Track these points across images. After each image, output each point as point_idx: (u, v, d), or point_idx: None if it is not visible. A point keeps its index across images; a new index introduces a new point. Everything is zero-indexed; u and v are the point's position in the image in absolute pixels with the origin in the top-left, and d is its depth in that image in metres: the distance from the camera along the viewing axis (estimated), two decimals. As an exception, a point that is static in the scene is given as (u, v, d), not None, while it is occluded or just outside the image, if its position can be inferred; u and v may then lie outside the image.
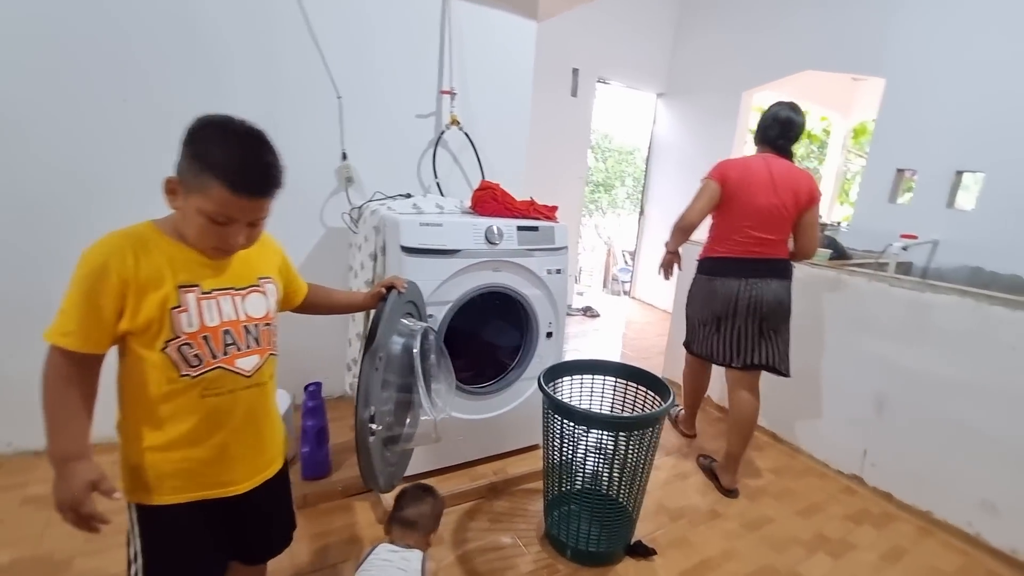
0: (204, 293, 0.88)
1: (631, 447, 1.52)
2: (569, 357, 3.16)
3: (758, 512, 1.95)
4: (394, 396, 1.37)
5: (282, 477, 1.08)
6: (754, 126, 2.17)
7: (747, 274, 1.95)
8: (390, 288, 1.28)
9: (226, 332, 0.90)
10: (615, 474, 1.59)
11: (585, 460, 1.57)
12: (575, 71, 4.15)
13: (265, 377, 0.97)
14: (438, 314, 1.71)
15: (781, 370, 2.01)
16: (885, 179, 3.11)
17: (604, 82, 4.38)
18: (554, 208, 2.07)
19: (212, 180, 0.80)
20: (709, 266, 2.06)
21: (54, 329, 0.80)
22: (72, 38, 1.71)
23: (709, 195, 1.97)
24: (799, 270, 2.30)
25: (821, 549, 1.78)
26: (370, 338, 1.16)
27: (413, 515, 1.27)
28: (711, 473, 2.14)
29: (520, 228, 1.84)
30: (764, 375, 2.06)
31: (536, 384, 1.62)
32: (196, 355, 0.86)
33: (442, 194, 2.41)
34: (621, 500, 1.65)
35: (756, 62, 3.86)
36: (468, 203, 2.07)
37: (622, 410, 1.79)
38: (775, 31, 3.72)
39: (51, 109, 1.72)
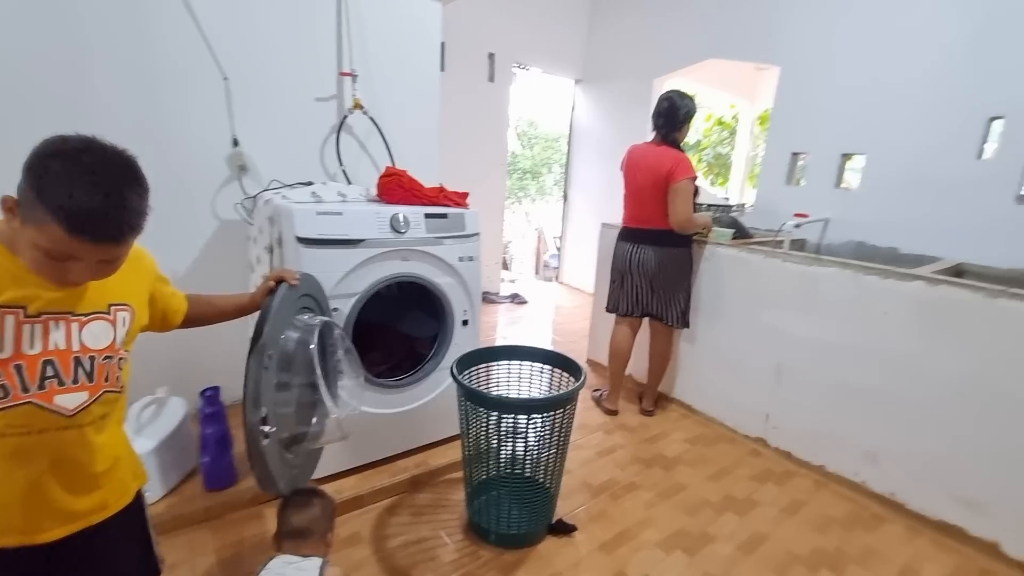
0: (29, 316, 0.75)
1: (547, 428, 1.53)
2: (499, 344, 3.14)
3: (673, 480, 2.04)
4: (295, 395, 1.29)
5: (123, 522, 0.92)
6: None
7: (634, 240, 2.38)
8: (280, 281, 1.20)
9: (47, 363, 0.76)
10: (533, 456, 1.60)
11: (501, 445, 1.56)
12: (491, 56, 4.11)
13: (93, 417, 0.82)
14: (344, 307, 1.64)
15: (669, 322, 2.42)
16: (782, 162, 3.32)
17: (522, 67, 4.37)
18: (464, 195, 2.03)
19: (47, 217, 0.67)
20: (618, 233, 2.49)
21: None
22: None
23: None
24: (708, 250, 2.43)
25: (729, 509, 1.89)
26: (256, 335, 1.08)
27: (303, 522, 1.17)
28: (598, 402, 2.61)
29: (428, 215, 1.79)
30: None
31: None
32: (2, 385, 0.73)
33: (348, 182, 2.30)
34: (540, 480, 1.66)
35: (665, 50, 3.99)
36: (375, 191, 1.99)
37: (539, 393, 1.80)
38: (681, 20, 3.85)
39: None
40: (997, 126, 2.47)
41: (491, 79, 4.17)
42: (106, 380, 0.83)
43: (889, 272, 1.90)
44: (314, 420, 1.35)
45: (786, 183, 3.32)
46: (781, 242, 2.57)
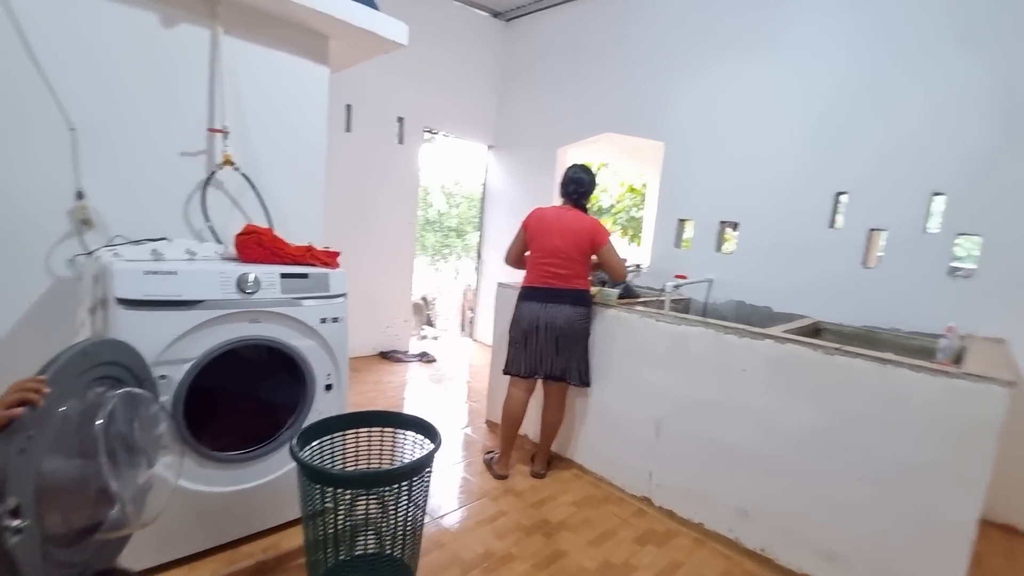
0: None
1: (399, 499, 1.42)
2: (403, 407, 3.01)
3: (553, 548, 1.95)
4: (83, 478, 1.12)
5: None
6: (561, 182, 2.61)
7: (544, 299, 2.37)
8: (23, 404, 0.93)
9: None
10: (387, 531, 1.47)
11: (346, 525, 1.43)
12: (400, 119, 4.21)
13: None
14: (175, 374, 1.49)
15: (573, 381, 2.41)
16: (670, 227, 3.54)
17: (431, 132, 4.49)
18: (335, 254, 1.97)
19: None
20: (521, 293, 2.47)
21: None
22: None
23: (518, 238, 2.52)
24: (597, 311, 2.48)
25: (605, 578, 1.82)
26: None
27: None
28: (489, 466, 2.53)
29: (285, 275, 1.71)
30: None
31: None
32: None
33: (218, 240, 2.18)
34: (398, 556, 1.53)
35: (567, 122, 4.25)
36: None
37: (391, 462, 1.69)
38: (581, 96, 4.14)
39: None
40: (844, 199, 2.76)
41: (400, 141, 4.25)
42: None
43: (744, 331, 2.00)
44: (116, 506, 1.18)
45: (675, 246, 3.52)
46: (663, 302, 2.67)
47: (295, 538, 1.78)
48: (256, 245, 1.81)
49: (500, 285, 2.96)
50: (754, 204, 3.11)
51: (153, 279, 1.45)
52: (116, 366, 1.26)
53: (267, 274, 1.66)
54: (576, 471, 2.59)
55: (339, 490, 1.37)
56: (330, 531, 1.41)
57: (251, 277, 1.61)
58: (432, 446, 1.51)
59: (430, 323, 6.97)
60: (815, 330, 2.54)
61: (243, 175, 2.23)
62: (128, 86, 1.96)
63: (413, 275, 4.60)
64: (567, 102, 4.25)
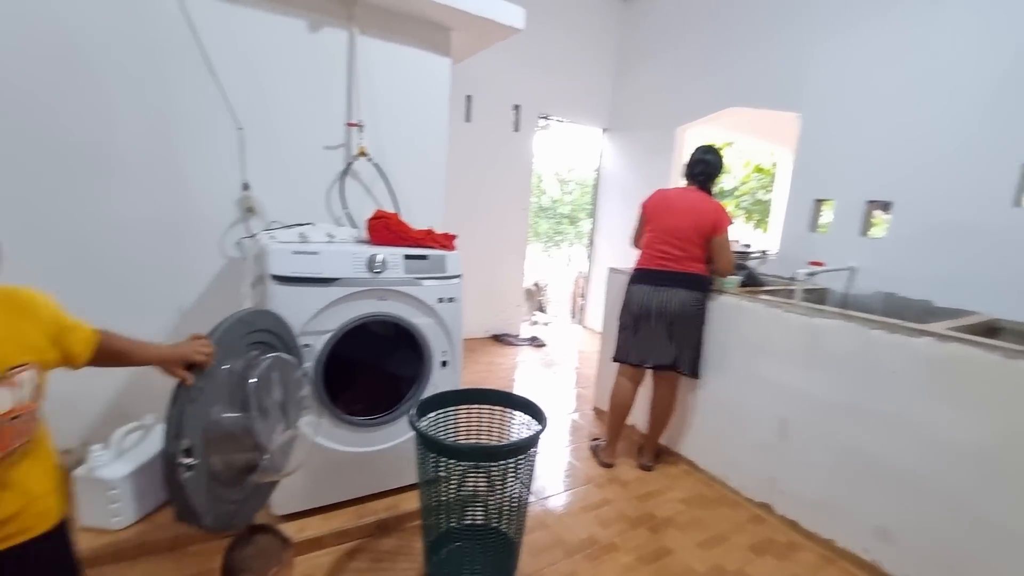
0: None
1: (506, 475, 1.48)
2: (512, 389, 3.11)
3: (658, 544, 1.90)
4: (241, 428, 1.32)
5: (41, 550, 0.95)
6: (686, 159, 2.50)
7: (656, 282, 2.28)
8: (192, 367, 1.12)
9: None
10: (495, 504, 1.54)
11: (457, 494, 1.51)
12: (516, 107, 4.27)
13: (15, 458, 0.87)
14: (316, 344, 1.68)
15: (684, 370, 2.31)
16: (805, 209, 3.19)
17: (546, 118, 4.50)
18: (452, 237, 2.07)
19: None
20: (632, 276, 2.39)
21: None
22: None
23: (638, 218, 2.47)
24: (714, 298, 2.33)
25: (715, 582, 1.73)
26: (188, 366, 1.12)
27: (235, 560, 1.16)
28: (594, 453, 2.50)
29: (408, 257, 1.84)
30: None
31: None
32: None
33: (353, 225, 2.40)
34: (503, 530, 1.59)
35: (686, 100, 4.00)
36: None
37: (499, 439, 1.75)
38: (703, 70, 3.87)
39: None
40: (1033, 171, 2.27)
41: (516, 129, 4.32)
42: (16, 437, 0.86)
43: (896, 327, 1.75)
44: (266, 455, 1.37)
45: (809, 230, 3.17)
46: (792, 292, 2.43)
47: (412, 501, 1.93)
48: (384, 229, 1.96)
49: (611, 270, 2.90)
50: (911, 180, 2.68)
51: (300, 258, 1.64)
52: (269, 333, 1.45)
53: (392, 255, 1.80)
54: (686, 467, 2.47)
55: (451, 461, 1.45)
56: (443, 499, 1.51)
57: (379, 258, 1.76)
58: (539, 427, 1.54)
59: (541, 309, 7.06)
60: (989, 329, 2.13)
61: (375, 165, 2.43)
62: (282, 88, 2.22)
63: (526, 261, 4.68)
64: (688, 78, 3.99)
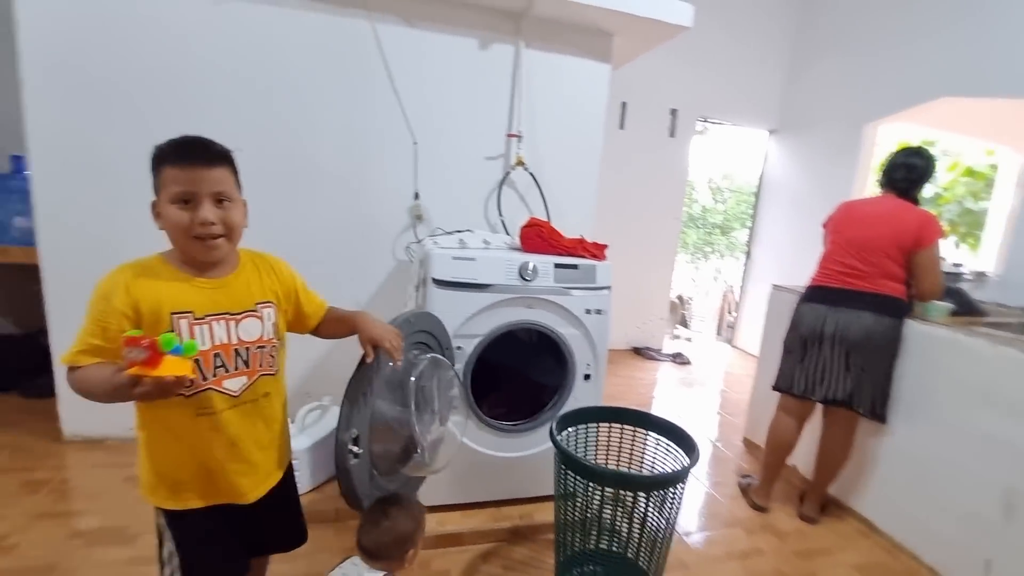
0: (197, 319, 0.94)
1: (648, 508, 1.39)
2: (651, 406, 2.85)
3: (824, 614, 1.63)
4: (400, 423, 1.42)
5: (286, 485, 1.18)
6: (878, 162, 2.20)
7: (835, 302, 1.96)
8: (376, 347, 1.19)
9: (216, 355, 0.96)
10: (633, 536, 1.45)
11: (594, 518, 1.46)
12: (673, 112, 4.06)
13: (256, 395, 1.03)
14: (467, 347, 1.75)
15: (861, 410, 1.96)
16: (1051, 224, 2.53)
17: (705, 121, 4.21)
18: (603, 247, 2.02)
19: (163, 167, 0.92)
20: (804, 293, 2.11)
21: (69, 353, 0.89)
22: (205, 101, 2.11)
23: (824, 240, 2.15)
24: (915, 328, 1.95)
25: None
26: (359, 365, 1.22)
27: (367, 542, 1.16)
28: (745, 492, 2.24)
29: (558, 265, 1.83)
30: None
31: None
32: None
33: (507, 232, 2.48)
34: (642, 564, 1.50)
35: (880, 92, 3.44)
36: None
37: (640, 466, 1.64)
38: (903, 56, 3.29)
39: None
40: None
41: (672, 134, 4.11)
42: (260, 366, 1.03)
43: None
44: (419, 449, 1.46)
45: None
46: (1029, 329, 1.93)
47: (546, 513, 1.92)
48: (537, 236, 1.98)
49: (775, 288, 2.59)
50: None
51: (459, 264, 1.73)
52: (428, 334, 1.54)
53: (544, 263, 1.81)
54: (860, 526, 2.10)
55: (590, 483, 1.40)
56: (578, 517, 1.46)
57: (531, 266, 1.77)
58: (689, 460, 1.41)
59: (684, 323, 6.65)
60: None
61: (530, 174, 2.47)
62: (451, 103, 2.38)
63: (673, 272, 4.44)
64: (883, 67, 3.42)
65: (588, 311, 1.86)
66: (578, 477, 1.40)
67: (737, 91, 4.19)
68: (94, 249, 2.04)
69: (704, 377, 3.95)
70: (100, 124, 2.04)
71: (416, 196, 2.40)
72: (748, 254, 4.64)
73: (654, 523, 1.41)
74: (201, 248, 0.95)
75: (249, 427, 1.04)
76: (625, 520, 1.45)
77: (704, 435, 2.89)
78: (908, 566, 1.89)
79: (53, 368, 2.18)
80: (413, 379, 1.34)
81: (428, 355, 1.44)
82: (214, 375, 0.97)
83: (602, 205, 3.94)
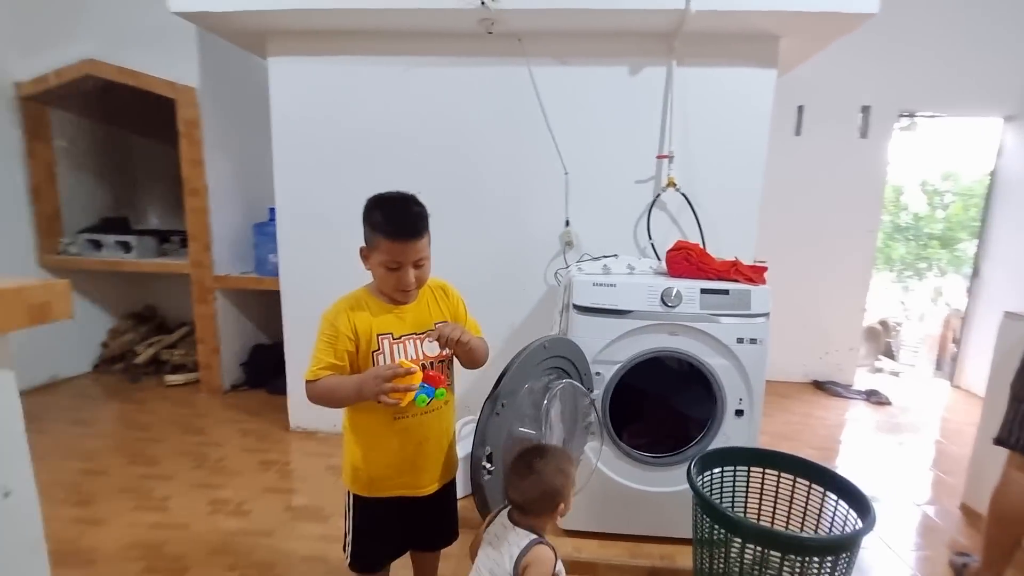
0: (395, 339, 1.18)
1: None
2: (835, 454, 2.68)
3: None
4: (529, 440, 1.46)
5: (450, 487, 1.36)
6: None
7: None
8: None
9: None
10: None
11: (740, 571, 1.32)
12: (865, 109, 3.51)
13: (438, 404, 1.21)
14: (607, 373, 1.75)
15: None
16: None
17: (910, 115, 3.54)
18: (761, 269, 1.85)
19: (378, 237, 1.13)
20: None
21: (312, 370, 1.14)
22: (398, 153, 2.50)
23: None
24: None
25: None
26: (495, 385, 1.31)
27: (515, 496, 1.13)
28: (959, 573, 1.78)
29: (705, 291, 1.73)
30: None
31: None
32: None
33: (657, 257, 2.40)
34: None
35: None
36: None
37: (802, 525, 1.43)
38: None
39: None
40: None
41: (863, 135, 3.56)
42: (442, 378, 1.21)
43: None
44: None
45: None
46: None
47: (688, 557, 1.79)
48: (684, 260, 1.90)
49: (1007, 315, 2.06)
50: None
51: (599, 290, 1.74)
52: (564, 359, 1.58)
53: (688, 289, 1.72)
54: None
55: (733, 536, 1.28)
56: (718, 567, 1.34)
57: (674, 291, 1.71)
58: (861, 525, 1.21)
59: (889, 355, 5.56)
60: None
61: (683, 195, 2.38)
62: (601, 130, 2.43)
63: (868, 294, 3.78)
64: None
65: (740, 340, 1.71)
66: (715, 526, 1.30)
67: (956, 75, 3.44)
68: (316, 280, 2.54)
69: (911, 422, 3.27)
70: (324, 186, 2.58)
71: (567, 223, 2.48)
72: (975, 271, 3.74)
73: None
74: (401, 296, 1.20)
75: (434, 430, 1.26)
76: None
77: (907, 495, 2.39)
78: None
79: (287, 372, 2.75)
80: (546, 402, 1.39)
81: (564, 381, 1.48)
82: None
83: (775, 222, 3.60)
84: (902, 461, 2.76)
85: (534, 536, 1.11)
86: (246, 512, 2.08)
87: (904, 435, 3.08)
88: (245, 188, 3.20)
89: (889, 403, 3.52)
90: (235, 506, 2.12)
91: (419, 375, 1.07)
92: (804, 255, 3.64)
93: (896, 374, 4.45)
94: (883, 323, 5.56)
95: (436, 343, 1.18)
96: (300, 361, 2.22)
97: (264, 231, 2.93)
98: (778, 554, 1.20)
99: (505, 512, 1.19)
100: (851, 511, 1.32)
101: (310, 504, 2.15)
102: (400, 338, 1.19)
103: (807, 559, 1.20)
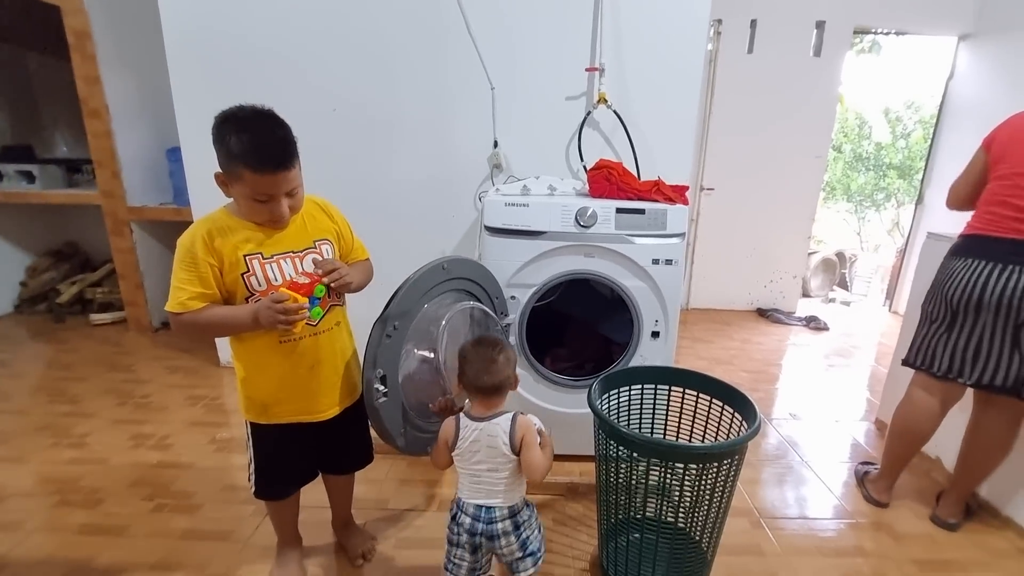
0: (266, 258, 1.09)
1: (701, 481, 1.23)
2: (773, 378, 2.67)
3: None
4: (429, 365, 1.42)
5: (357, 409, 1.30)
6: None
7: (1006, 258, 1.46)
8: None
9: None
10: (681, 507, 1.31)
11: (636, 487, 1.33)
12: (819, 24, 3.35)
13: (329, 325, 1.20)
14: (522, 297, 1.70)
15: None
16: None
17: (866, 33, 3.41)
18: (682, 189, 1.78)
19: (239, 167, 0.99)
20: (957, 246, 1.61)
21: (178, 300, 1.03)
22: (306, 63, 2.27)
23: (974, 164, 1.65)
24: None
25: None
26: (385, 306, 1.24)
27: (491, 381, 1.13)
28: (861, 482, 1.89)
29: (620, 210, 1.65)
30: None
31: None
32: None
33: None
34: (693, 534, 1.35)
35: None
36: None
37: (703, 436, 1.45)
38: None
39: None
40: None
41: (816, 53, 3.42)
42: (330, 297, 1.16)
43: None
44: (449, 395, 1.44)
45: None
46: None
47: (609, 471, 1.83)
48: (604, 180, 1.81)
49: (930, 236, 2.08)
50: None
51: (511, 210, 1.65)
52: (472, 283, 1.51)
53: (604, 208, 1.65)
54: (1018, 540, 1.64)
55: (632, 452, 1.28)
56: (621, 481, 1.35)
57: (588, 211, 1.63)
58: (747, 431, 1.21)
59: (844, 285, 5.70)
60: None
61: (614, 112, 2.25)
62: (528, 41, 2.23)
63: (813, 223, 3.79)
64: None
65: (656, 261, 1.67)
66: (610, 441, 1.29)
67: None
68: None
69: (848, 346, 3.38)
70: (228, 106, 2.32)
71: (495, 145, 2.34)
72: (919, 198, 3.76)
73: (705, 496, 1.25)
74: (273, 227, 1.11)
75: (327, 352, 1.21)
76: (676, 488, 1.31)
77: (832, 414, 2.48)
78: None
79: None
80: (444, 323, 1.34)
81: (466, 303, 1.42)
82: None
83: (726, 145, 3.50)
84: (831, 383, 2.86)
85: (507, 412, 1.15)
86: (168, 446, 2.04)
87: (837, 359, 3.19)
88: (155, 109, 2.91)
89: (827, 328, 3.62)
90: (157, 440, 2.08)
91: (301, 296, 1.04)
92: (753, 181, 3.58)
93: (847, 304, 4.57)
94: (839, 254, 5.66)
95: (321, 257, 1.15)
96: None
97: (178, 157, 2.70)
98: (659, 462, 1.21)
99: (467, 423, 1.14)
100: (744, 422, 1.33)
101: (236, 436, 2.12)
102: (272, 258, 1.10)
103: (690, 466, 1.21)
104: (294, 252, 1.13)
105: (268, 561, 1.44)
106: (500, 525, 1.14)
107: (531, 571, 1.18)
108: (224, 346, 2.72)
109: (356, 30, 2.24)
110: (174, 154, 2.75)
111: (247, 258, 1.07)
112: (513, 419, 1.13)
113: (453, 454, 1.16)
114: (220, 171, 1.04)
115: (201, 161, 2.39)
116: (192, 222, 1.10)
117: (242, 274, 1.07)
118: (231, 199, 1.10)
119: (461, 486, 1.18)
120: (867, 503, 1.81)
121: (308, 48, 2.26)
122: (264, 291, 1.08)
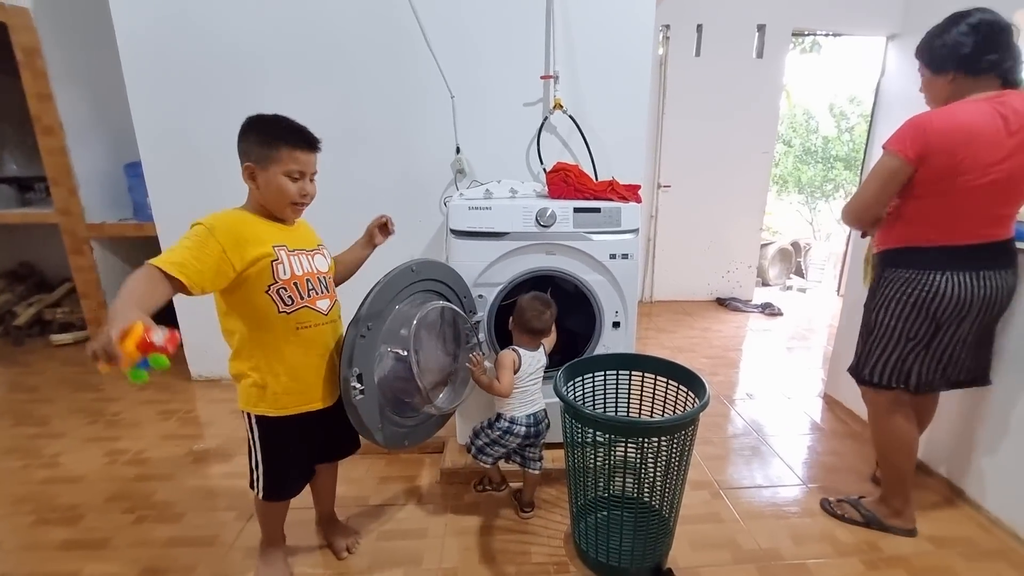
0: (291, 251, 1.20)
1: (658, 454, 1.34)
2: (732, 361, 2.79)
3: (877, 583, 1.47)
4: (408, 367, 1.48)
5: (341, 402, 1.33)
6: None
7: (980, 265, 1.42)
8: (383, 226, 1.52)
9: (307, 280, 1.22)
10: (647, 479, 1.42)
11: (601, 467, 1.44)
12: (760, 28, 3.56)
13: (335, 316, 1.32)
14: (488, 295, 1.78)
15: (983, 381, 1.63)
16: None
17: (805, 35, 3.64)
18: (635, 188, 1.90)
19: (280, 147, 1.14)
20: (930, 257, 1.44)
21: (165, 259, 0.99)
22: (263, 79, 2.30)
23: (891, 179, 1.39)
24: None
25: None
26: (359, 308, 1.31)
27: (541, 325, 1.55)
28: (868, 523, 1.67)
29: (578, 210, 1.76)
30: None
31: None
32: (290, 296, 1.18)
33: (547, 180, 2.42)
34: (654, 504, 1.46)
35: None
36: (548, 187, 2.05)
37: (663, 412, 1.57)
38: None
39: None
40: None
41: (759, 55, 3.63)
42: (333, 291, 1.32)
43: None
44: (420, 391, 1.50)
45: None
46: None
47: (579, 456, 1.93)
48: (561, 182, 1.92)
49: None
50: None
51: (475, 213, 1.74)
52: (441, 283, 1.59)
53: (562, 208, 1.75)
54: (951, 499, 1.82)
55: (596, 432, 1.38)
56: (589, 463, 1.46)
57: (548, 211, 1.73)
58: (697, 405, 1.33)
59: (800, 273, 5.98)
60: None
61: (570, 117, 2.36)
62: (486, 51, 2.33)
63: (764, 215, 4.01)
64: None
65: (613, 256, 1.78)
66: (575, 423, 1.39)
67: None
68: (195, 216, 2.36)
69: (802, 330, 3.59)
70: (188, 116, 2.35)
71: (457, 150, 2.43)
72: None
73: (663, 467, 1.36)
74: (293, 212, 1.23)
75: (333, 340, 1.31)
76: (637, 464, 1.42)
77: (778, 391, 2.66)
78: (1004, 544, 1.61)
79: (177, 319, 2.62)
80: (415, 323, 1.41)
81: (436, 303, 1.50)
82: (309, 296, 1.23)
83: (680, 145, 3.67)
84: (786, 364, 3.04)
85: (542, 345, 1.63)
86: (145, 460, 2.05)
87: (792, 342, 3.39)
88: (109, 125, 2.87)
89: (781, 314, 3.84)
90: (133, 455, 2.08)
91: (131, 346, 0.82)
92: (706, 178, 3.77)
93: (803, 291, 4.82)
94: (795, 244, 5.94)
95: (324, 257, 1.31)
96: (189, 307, 2.13)
97: (137, 172, 2.68)
98: (620, 438, 1.32)
99: (525, 353, 1.57)
100: (697, 399, 1.45)
101: (213, 447, 2.14)
102: (295, 251, 1.21)
103: (651, 440, 1.32)
104: (307, 251, 1.26)
105: (254, 562, 1.49)
106: (545, 423, 1.64)
107: (540, 466, 1.68)
108: (197, 359, 2.72)
109: (316, 45, 2.29)
110: (133, 169, 2.73)
111: (276, 248, 1.16)
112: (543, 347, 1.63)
113: (516, 376, 1.53)
114: (251, 163, 1.15)
115: (163, 175, 2.39)
116: (155, 236, 1.16)
117: (272, 262, 1.15)
118: (237, 206, 1.22)
119: (513, 407, 1.58)
120: (900, 535, 1.64)
121: (268, 62, 2.30)
122: (287, 280, 1.18)
